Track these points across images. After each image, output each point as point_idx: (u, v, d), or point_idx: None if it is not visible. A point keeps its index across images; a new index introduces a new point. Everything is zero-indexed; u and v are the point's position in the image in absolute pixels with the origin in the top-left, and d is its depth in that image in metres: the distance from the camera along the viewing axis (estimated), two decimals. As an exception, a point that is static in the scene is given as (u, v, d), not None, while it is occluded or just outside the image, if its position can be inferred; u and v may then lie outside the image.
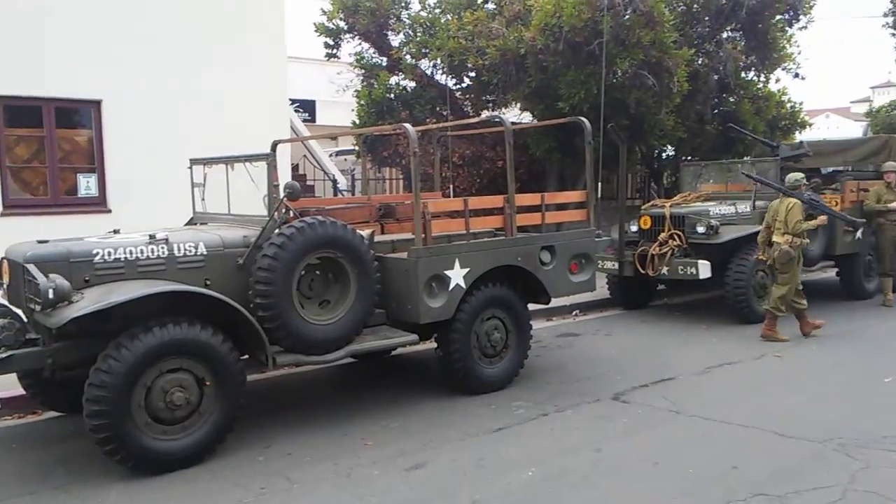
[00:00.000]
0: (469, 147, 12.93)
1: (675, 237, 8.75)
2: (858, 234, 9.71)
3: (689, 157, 14.57)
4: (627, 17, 10.32)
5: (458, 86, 13.58)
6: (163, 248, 4.63)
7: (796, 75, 13.75)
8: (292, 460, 4.56)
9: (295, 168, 14.37)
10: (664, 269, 8.62)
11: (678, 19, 11.68)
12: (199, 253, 4.74)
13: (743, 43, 12.42)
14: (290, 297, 4.70)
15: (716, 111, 12.85)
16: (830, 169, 11.30)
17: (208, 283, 4.69)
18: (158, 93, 8.62)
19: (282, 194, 4.85)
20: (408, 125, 5.55)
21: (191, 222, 5.86)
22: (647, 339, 7.92)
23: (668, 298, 10.50)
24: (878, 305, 9.69)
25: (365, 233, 5.28)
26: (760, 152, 11.23)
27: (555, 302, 9.63)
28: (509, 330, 5.99)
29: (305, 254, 4.73)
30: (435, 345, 5.86)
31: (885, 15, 25.02)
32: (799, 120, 14.49)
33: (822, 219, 8.18)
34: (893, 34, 25.13)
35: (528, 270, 5.97)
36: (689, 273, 8.40)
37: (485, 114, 13.78)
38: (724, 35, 12.79)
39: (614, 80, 10.81)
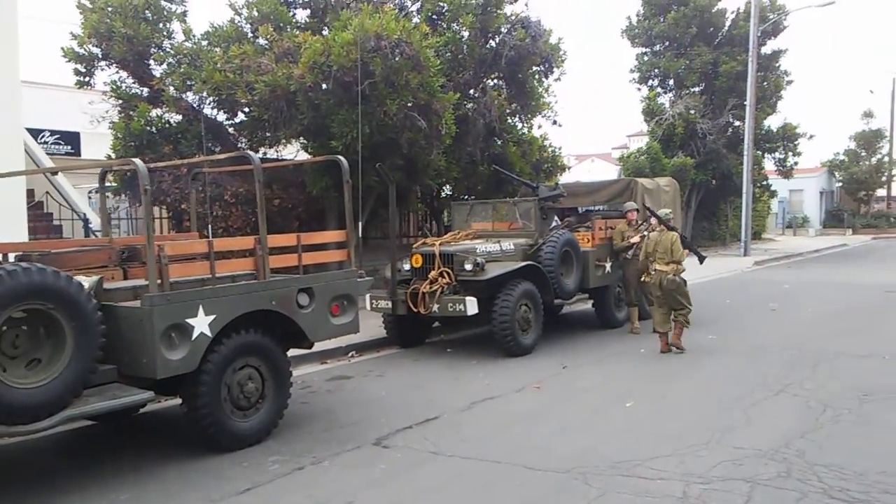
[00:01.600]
0: (243, 185, 12.38)
1: (445, 275, 8.90)
2: (608, 267, 10.54)
3: (466, 196, 15.15)
4: (396, 59, 10.49)
5: (231, 121, 13.05)
6: None
7: (554, 122, 14.85)
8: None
9: (37, 205, 12.89)
10: (435, 307, 8.71)
11: (445, 65, 12.13)
12: None
13: (506, 91, 13.18)
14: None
15: (487, 153, 13.45)
16: (586, 208, 12.23)
17: None
18: None
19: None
20: (137, 160, 5.01)
21: None
22: (419, 378, 7.90)
23: (444, 335, 10.65)
24: (627, 333, 10.53)
25: (86, 280, 4.68)
26: (525, 192, 11.90)
27: (329, 344, 9.45)
28: (266, 379, 5.63)
29: (3, 307, 4.06)
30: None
31: (632, 70, 28.16)
32: (559, 163, 15.64)
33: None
34: (639, 88, 28.38)
35: (285, 314, 5.66)
36: (457, 310, 8.55)
37: (262, 151, 13.39)
38: (491, 83, 13.53)
39: (387, 121, 10.91)
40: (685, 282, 9.17)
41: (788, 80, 27.11)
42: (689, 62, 26.35)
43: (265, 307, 5.49)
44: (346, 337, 9.68)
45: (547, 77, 13.79)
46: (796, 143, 27.53)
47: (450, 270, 8.91)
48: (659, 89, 27.83)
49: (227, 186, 12.06)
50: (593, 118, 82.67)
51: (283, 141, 11.97)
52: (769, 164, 29.07)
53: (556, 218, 10.52)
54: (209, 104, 12.56)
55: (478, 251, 9.09)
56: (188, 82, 11.46)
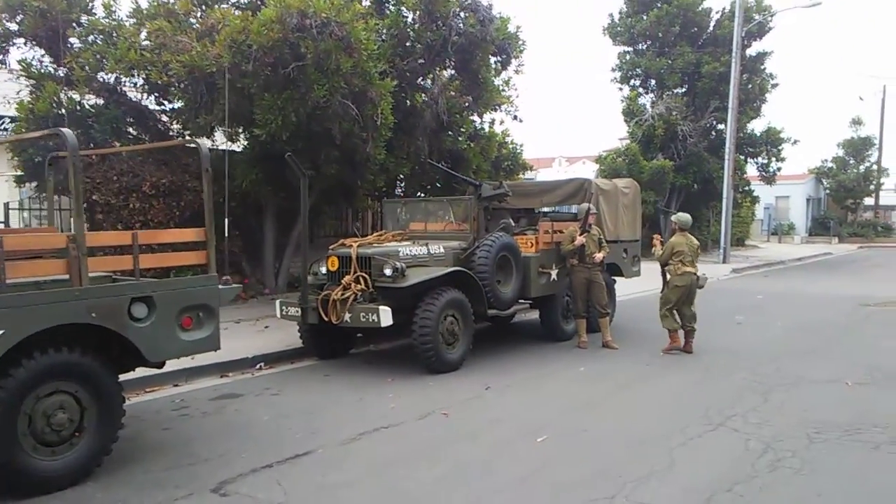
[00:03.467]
0: (166, 174, 11.38)
1: (362, 280, 7.94)
2: (554, 275, 9.60)
3: (421, 195, 14.21)
4: (325, 41, 9.52)
5: (163, 106, 12.04)
6: None
7: (515, 117, 13.90)
8: None
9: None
10: (347, 316, 7.74)
11: (388, 51, 11.17)
12: None
13: (458, 82, 12.21)
14: None
15: (436, 149, 12.46)
16: (547, 209, 11.29)
17: None
18: None
19: None
20: (66, 130, 4.25)
21: None
22: (318, 398, 6.93)
23: (374, 344, 9.68)
24: (574, 347, 9.60)
25: None
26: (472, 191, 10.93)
27: (235, 353, 8.51)
28: (85, 407, 4.64)
29: None
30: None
31: (613, 70, 27.24)
32: (520, 161, 14.70)
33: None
34: (620, 88, 27.46)
35: (111, 329, 4.68)
36: (370, 320, 7.59)
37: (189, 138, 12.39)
38: (446, 73, 12.56)
39: (317, 110, 9.94)
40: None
41: (773, 84, 26.26)
42: (672, 62, 25.47)
43: (82, 320, 4.50)
44: (255, 346, 8.94)
45: (505, 68, 12.83)
46: (780, 148, 26.68)
47: (367, 276, 7.95)
48: (640, 89, 26.93)
49: (146, 176, 11.05)
50: (586, 120, 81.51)
51: (216, 128, 10.95)
52: (752, 170, 28.19)
53: (509, 220, 9.55)
54: (139, 87, 11.57)
55: (400, 255, 8.12)
56: (103, 61, 10.45)
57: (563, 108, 77.66)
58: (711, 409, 6.48)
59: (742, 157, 26.56)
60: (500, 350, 9.32)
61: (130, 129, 11.90)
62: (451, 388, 7.31)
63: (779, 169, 27.19)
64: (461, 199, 9.20)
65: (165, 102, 11.47)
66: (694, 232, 28.24)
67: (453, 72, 12.23)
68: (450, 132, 12.16)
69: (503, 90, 13.57)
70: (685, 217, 9.54)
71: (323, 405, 6.66)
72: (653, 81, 26.49)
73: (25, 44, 11.47)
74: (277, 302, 8.49)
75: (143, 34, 10.47)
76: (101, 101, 11.47)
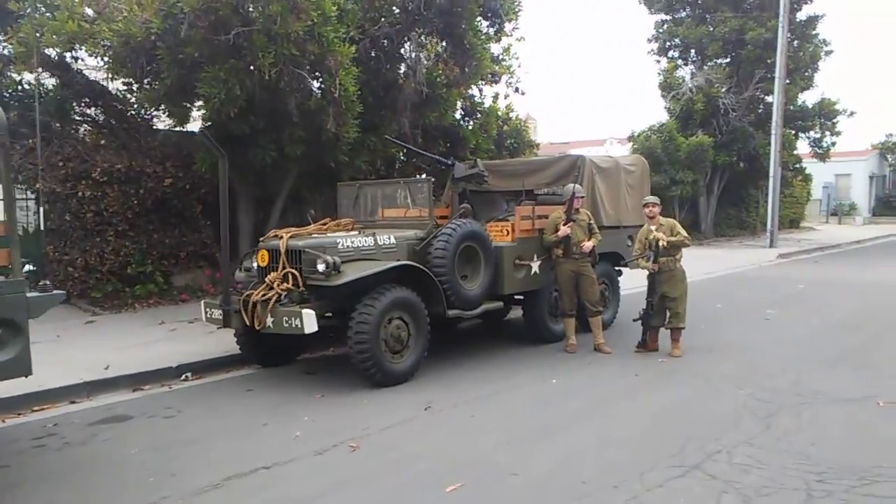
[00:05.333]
0: (122, 160, 10.40)
1: (290, 277, 6.76)
2: (535, 267, 8.26)
3: (425, 176, 12.92)
4: (271, 1, 8.33)
5: (129, 83, 10.91)
6: None
7: (517, 89, 12.50)
8: None
9: None
10: (269, 321, 6.58)
11: (360, 14, 9.90)
12: None
13: (443, 49, 10.86)
14: None
15: (419, 125, 11.15)
16: (545, 191, 9.90)
17: None
18: None
19: None
20: None
21: None
22: (216, 424, 5.78)
23: (334, 348, 8.50)
24: (561, 350, 8.26)
25: None
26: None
27: (163, 361, 7.47)
28: None
29: None
30: None
31: (649, 40, 25.38)
32: (526, 139, 13.29)
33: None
34: (657, 61, 25.56)
35: None
36: (293, 326, 6.41)
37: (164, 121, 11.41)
38: (431, 41, 11.21)
39: (267, 82, 8.77)
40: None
41: (827, 50, 24.04)
42: (713, 29, 23.48)
43: None
44: (191, 352, 7.86)
45: (498, 34, 11.41)
46: (835, 121, 24.45)
47: (297, 272, 6.76)
48: (679, 61, 25.01)
49: (94, 161, 10.08)
50: (637, 99, 78.24)
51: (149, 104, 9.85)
52: (805, 146, 25.98)
53: (468, 206, 8.23)
54: (101, 64, 10.54)
55: (339, 247, 6.90)
56: (41, 35, 9.47)
57: (614, 88, 74.89)
58: (692, 443, 5.09)
59: (791, 132, 24.44)
60: (470, 355, 8.06)
61: (88, 111, 10.96)
62: (384, 408, 6.09)
63: (833, 144, 24.96)
64: (418, 181, 7.90)
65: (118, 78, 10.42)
66: (741, 214, 26.43)
67: (438, 39, 10.86)
68: (434, 106, 10.79)
69: (503, 59, 12.16)
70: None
71: (215, 433, 5.52)
72: (692, 52, 24.58)
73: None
74: (202, 303, 7.39)
75: (87, 1, 9.45)
76: (55, 80, 10.56)
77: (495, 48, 12.22)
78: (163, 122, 11.73)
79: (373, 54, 10.69)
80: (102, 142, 11.22)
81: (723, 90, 22.74)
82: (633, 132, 22.88)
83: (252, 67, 8.58)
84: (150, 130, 11.33)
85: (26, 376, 4.36)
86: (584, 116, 72.62)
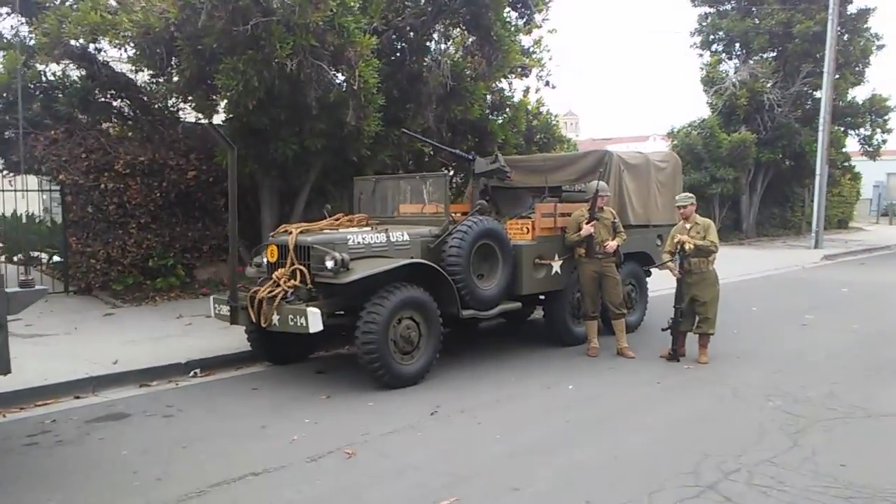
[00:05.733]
0: (146, 151, 10.36)
1: (299, 274, 6.58)
2: (556, 267, 7.94)
3: (447, 171, 12.68)
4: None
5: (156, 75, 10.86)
6: None
7: (547, 83, 12.14)
8: None
9: None
10: (275, 319, 6.40)
11: (384, 4, 9.67)
12: None
13: (469, 40, 10.56)
14: None
15: (445, 119, 10.86)
16: (572, 188, 9.56)
17: None
18: None
19: None
20: None
21: None
22: (214, 424, 5.61)
23: (349, 346, 8.27)
24: (583, 354, 7.94)
25: None
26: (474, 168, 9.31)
27: (165, 358, 7.34)
28: None
29: None
30: None
31: (692, 34, 24.66)
32: (556, 134, 12.91)
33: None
34: (700, 55, 24.83)
35: None
36: (298, 324, 6.22)
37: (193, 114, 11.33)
38: (456, 32, 10.95)
39: (287, 72, 8.60)
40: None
41: (878, 45, 23.02)
42: (759, 22, 22.67)
43: None
44: (202, 348, 7.72)
45: (527, 25, 11.06)
46: (886, 117, 23.40)
47: (305, 268, 6.57)
48: (723, 55, 24.23)
49: (117, 153, 10.05)
50: (664, 95, 76.62)
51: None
52: (854, 144, 24.97)
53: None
54: (124, 56, 10.54)
55: (349, 243, 6.69)
56: (64, 26, 9.45)
57: (659, 84, 73.52)
58: (710, 458, 4.75)
59: (840, 129, 23.50)
60: (486, 357, 7.78)
61: (114, 103, 10.95)
62: (389, 411, 5.87)
63: (884, 142, 23.91)
64: (434, 176, 7.63)
65: (144, 70, 10.37)
66: (786, 213, 25.56)
67: (465, 30, 10.56)
68: (459, 100, 10.50)
69: (533, 52, 11.82)
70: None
71: (211, 435, 5.35)
72: (737, 45, 23.76)
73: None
74: (211, 299, 7.26)
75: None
76: (82, 72, 10.57)
77: (525, 40, 11.88)
78: (189, 114, 11.68)
79: (397, 46, 10.46)
80: (130, 134, 11.21)
81: (768, 85, 21.96)
82: (673, 128, 22.23)
83: (271, 59, 8.39)
84: (175, 123, 11.27)
85: (4, 374, 4.23)
86: (627, 112, 71.57)
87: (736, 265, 16.66)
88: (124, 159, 10.06)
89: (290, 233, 6.82)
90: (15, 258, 12.70)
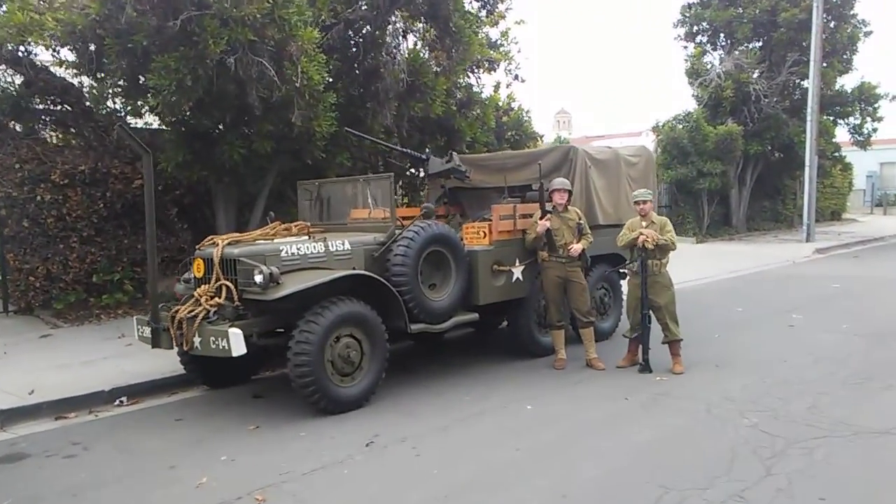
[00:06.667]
0: (86, 161, 9.72)
1: (225, 290, 5.95)
2: (518, 273, 7.32)
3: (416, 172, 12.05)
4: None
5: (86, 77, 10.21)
6: None
7: (516, 77, 11.52)
8: None
9: None
10: (196, 341, 5.78)
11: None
12: None
13: (427, 33, 9.93)
14: None
15: (405, 117, 10.24)
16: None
17: None
18: None
19: None
20: None
21: None
22: (118, 466, 4.97)
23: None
24: (549, 366, 7.32)
25: None
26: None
27: (90, 386, 6.70)
28: None
29: None
30: None
31: (675, 25, 24.09)
32: (528, 131, 12.28)
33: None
34: (685, 46, 24.23)
35: None
36: (220, 347, 5.59)
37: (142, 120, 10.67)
38: (413, 25, 10.31)
39: (224, 70, 7.99)
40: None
41: (866, 31, 22.41)
42: (742, 10, 22.07)
43: None
44: (133, 372, 7.01)
45: (490, 14, 10.44)
46: (876, 106, 22.81)
47: (231, 284, 5.94)
48: (708, 46, 23.63)
49: (54, 163, 9.41)
50: (656, 90, 76.08)
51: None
52: (843, 133, 24.37)
53: (430, 206, 7.31)
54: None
55: (282, 255, 6.07)
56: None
57: (650, 79, 73.02)
58: (670, 494, 4.14)
59: (829, 118, 22.91)
60: (443, 373, 7.17)
61: (55, 109, 10.31)
62: (319, 443, 5.25)
63: (874, 130, 23.30)
64: (377, 178, 7.00)
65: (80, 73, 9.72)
66: (777, 206, 24.99)
67: (423, 23, 9.94)
68: (419, 97, 9.88)
69: (501, 45, 11.20)
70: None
71: (109, 479, 4.72)
72: (721, 36, 23.14)
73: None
74: (135, 319, 6.62)
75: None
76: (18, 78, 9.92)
77: (493, 33, 11.26)
78: (140, 119, 11.05)
79: (352, 41, 9.85)
80: (73, 142, 10.58)
81: (754, 75, 21.36)
82: (658, 122, 21.61)
83: (205, 55, 7.77)
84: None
85: None
86: (620, 109, 71.09)
87: (724, 262, 16.08)
88: (62, 169, 9.43)
89: (217, 244, 6.18)
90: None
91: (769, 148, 22.31)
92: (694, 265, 15.02)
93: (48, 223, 9.47)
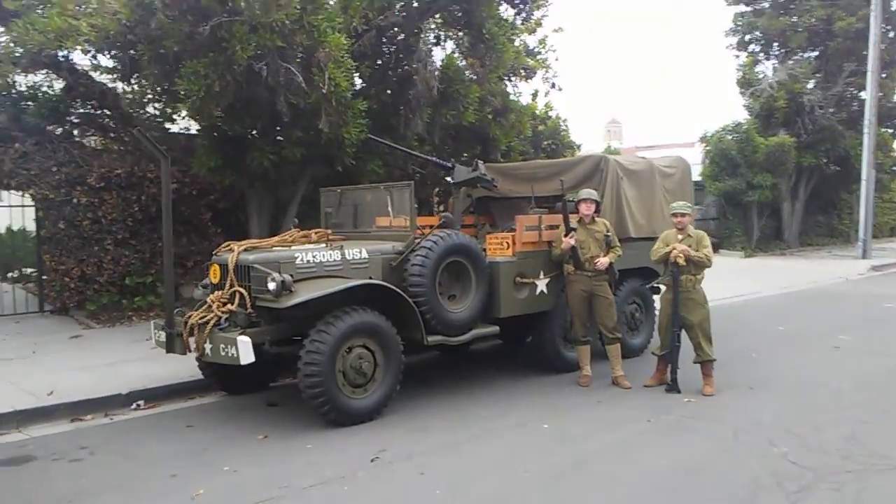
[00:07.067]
0: (122, 165, 9.86)
1: (238, 296, 5.89)
2: (542, 286, 7.10)
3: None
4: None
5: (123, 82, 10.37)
6: None
7: (553, 85, 11.30)
8: None
9: None
10: (207, 347, 5.73)
11: (366, 2, 9.00)
12: None
13: (461, 40, 9.80)
14: None
15: (437, 124, 10.09)
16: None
17: None
18: None
19: None
20: None
21: None
22: (120, 473, 4.92)
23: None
24: (574, 383, 7.07)
25: None
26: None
27: (109, 389, 6.72)
28: None
29: None
30: None
31: (727, 34, 23.51)
32: (565, 140, 12.03)
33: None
34: (737, 56, 23.60)
35: None
36: (229, 354, 5.53)
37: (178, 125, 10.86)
38: (446, 31, 10.20)
39: (253, 76, 8.00)
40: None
41: (929, 41, 21.46)
42: (797, 19, 21.38)
43: None
44: (146, 379, 6.98)
45: (525, 21, 10.25)
46: (939, 118, 21.83)
47: (245, 290, 5.88)
48: (761, 55, 22.96)
49: (90, 166, 9.55)
50: (710, 100, 74.54)
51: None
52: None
53: (450, 216, 7.16)
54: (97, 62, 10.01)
55: (297, 262, 5.98)
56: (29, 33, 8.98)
57: (704, 89, 71.75)
58: (683, 529, 3.87)
59: (887, 131, 22.00)
60: (467, 386, 6.99)
61: (95, 113, 10.49)
62: (325, 456, 5.12)
63: (935, 144, 22.33)
64: (399, 186, 6.86)
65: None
66: (833, 220, 24.07)
67: (456, 30, 9.81)
68: (452, 104, 9.74)
69: (538, 52, 11.00)
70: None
71: (108, 487, 4.66)
72: (775, 45, 22.47)
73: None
74: (152, 324, 6.62)
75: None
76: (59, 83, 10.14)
77: (530, 41, 11.07)
78: (178, 125, 11.19)
79: (385, 48, 9.77)
80: (116, 147, 10.76)
81: (808, 86, 20.65)
82: (706, 133, 21.05)
83: (234, 61, 7.78)
84: (161, 133, 10.77)
85: None
86: (672, 119, 70.00)
87: (772, 277, 15.54)
88: (98, 172, 9.57)
89: (233, 250, 6.13)
90: (9, 275, 12.40)
91: (824, 161, 21.52)
92: (740, 280, 14.54)
93: (84, 225, 9.61)
